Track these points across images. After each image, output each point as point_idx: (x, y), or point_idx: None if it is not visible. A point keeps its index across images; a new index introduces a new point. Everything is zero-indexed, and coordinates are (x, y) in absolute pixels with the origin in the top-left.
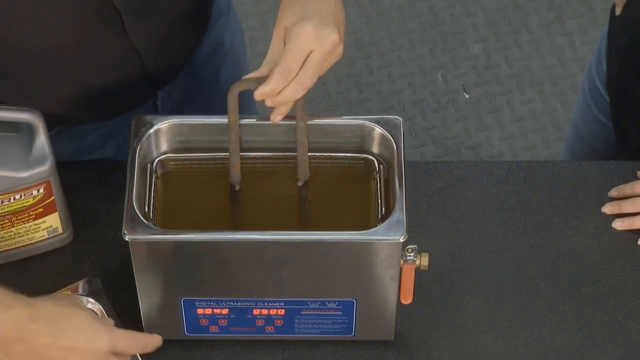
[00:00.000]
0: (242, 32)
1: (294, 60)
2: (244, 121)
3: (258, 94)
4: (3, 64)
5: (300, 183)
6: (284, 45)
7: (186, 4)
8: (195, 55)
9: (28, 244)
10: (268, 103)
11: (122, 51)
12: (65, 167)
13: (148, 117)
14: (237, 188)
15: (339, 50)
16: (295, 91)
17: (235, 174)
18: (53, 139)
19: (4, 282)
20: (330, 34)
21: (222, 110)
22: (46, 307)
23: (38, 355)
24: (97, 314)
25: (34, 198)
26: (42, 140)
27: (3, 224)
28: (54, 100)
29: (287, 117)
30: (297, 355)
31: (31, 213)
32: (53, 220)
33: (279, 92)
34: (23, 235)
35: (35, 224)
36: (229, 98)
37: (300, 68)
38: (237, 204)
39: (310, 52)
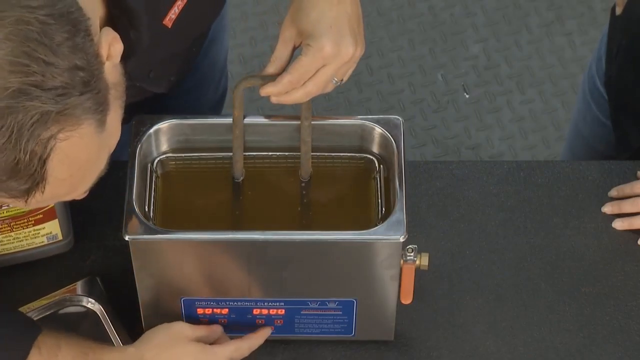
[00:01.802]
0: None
1: (307, 73)
2: (247, 120)
3: (264, 92)
4: None
5: (301, 182)
6: (293, 45)
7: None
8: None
9: (27, 249)
10: (273, 100)
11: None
12: None
13: (148, 117)
14: (239, 183)
15: (357, 54)
16: (303, 97)
17: (239, 170)
18: None
19: (2, 281)
20: (347, 47)
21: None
22: (154, 356)
23: None
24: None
25: None
26: None
27: (2, 228)
28: None
29: (291, 117)
30: (297, 355)
31: (30, 219)
32: (53, 227)
33: (286, 93)
34: (22, 241)
35: (34, 230)
36: (234, 94)
37: (311, 77)
38: (237, 203)
39: (324, 65)
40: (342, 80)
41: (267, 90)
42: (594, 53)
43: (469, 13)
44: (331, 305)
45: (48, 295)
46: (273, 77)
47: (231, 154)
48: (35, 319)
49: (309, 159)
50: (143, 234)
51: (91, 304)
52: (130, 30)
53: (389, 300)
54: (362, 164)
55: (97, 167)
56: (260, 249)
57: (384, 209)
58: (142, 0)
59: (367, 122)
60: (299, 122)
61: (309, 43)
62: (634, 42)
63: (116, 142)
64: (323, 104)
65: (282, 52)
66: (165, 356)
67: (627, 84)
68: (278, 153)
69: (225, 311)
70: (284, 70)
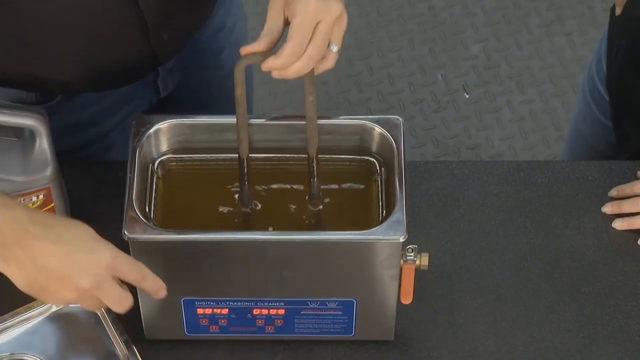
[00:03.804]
0: (245, 18)
1: (305, 35)
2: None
3: (266, 67)
4: (7, 29)
5: (302, 183)
6: (283, 17)
7: None
8: (198, 38)
9: None
10: (275, 75)
11: (128, 20)
12: (65, 167)
13: (148, 117)
14: (244, 162)
15: (344, 19)
16: (305, 65)
17: (244, 149)
18: (53, 111)
19: (2, 281)
20: (336, 4)
21: (221, 93)
22: (46, 215)
23: (36, 261)
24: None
25: (33, 204)
26: (43, 146)
27: None
28: (56, 66)
29: (293, 117)
30: (297, 355)
31: None
32: None
33: (288, 66)
34: None
35: None
36: (235, 72)
37: (310, 41)
38: (237, 204)
39: (318, 23)
40: (339, 47)
41: (269, 64)
42: (594, 53)
43: (469, 13)
44: (331, 305)
45: None
46: (273, 52)
47: (230, 154)
48: (35, 319)
49: (316, 135)
50: (143, 234)
51: None
52: None
53: (389, 300)
54: (363, 166)
55: None
56: (260, 249)
57: (384, 212)
58: None
59: (367, 122)
60: (301, 122)
61: (295, 5)
62: (633, 43)
63: None
64: (323, 104)
65: (273, 23)
66: (67, 223)
67: (627, 84)
68: (279, 155)
69: (225, 311)
70: (275, 44)
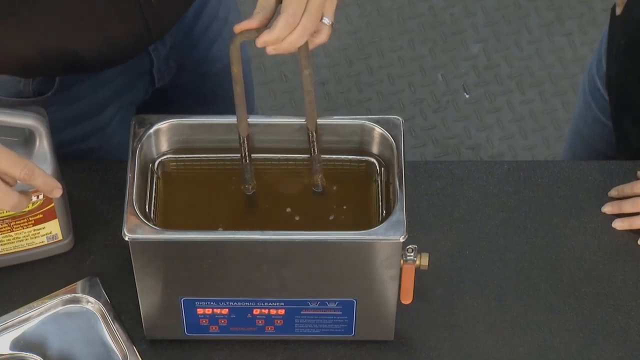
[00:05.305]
0: (239, 11)
1: (299, 6)
2: (250, 120)
3: (261, 42)
4: None
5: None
6: None
7: None
8: (191, 30)
9: (27, 249)
10: (270, 51)
11: None
12: (65, 167)
13: (148, 117)
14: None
15: None
16: (300, 37)
17: (244, 128)
18: (50, 103)
19: (2, 281)
20: None
21: (220, 90)
22: None
23: None
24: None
25: (33, 204)
26: (43, 146)
27: (2, 228)
28: (56, 29)
29: (293, 116)
30: (297, 355)
31: (30, 219)
32: (53, 227)
33: (282, 40)
34: (22, 240)
35: (34, 230)
36: (231, 50)
37: (303, 12)
38: (237, 203)
39: None
40: (332, 21)
41: (264, 38)
42: (594, 53)
43: (469, 13)
44: (331, 305)
45: (48, 295)
46: (267, 28)
47: (230, 154)
48: (35, 319)
49: (314, 108)
50: (143, 234)
51: (91, 304)
52: None
53: (389, 300)
54: (363, 167)
55: None
56: (259, 249)
57: (384, 212)
58: None
59: (367, 122)
60: (301, 121)
61: None
62: (633, 43)
63: None
64: (323, 104)
65: (265, 1)
66: None
67: (627, 84)
68: (279, 155)
69: (225, 311)
70: (269, 20)
